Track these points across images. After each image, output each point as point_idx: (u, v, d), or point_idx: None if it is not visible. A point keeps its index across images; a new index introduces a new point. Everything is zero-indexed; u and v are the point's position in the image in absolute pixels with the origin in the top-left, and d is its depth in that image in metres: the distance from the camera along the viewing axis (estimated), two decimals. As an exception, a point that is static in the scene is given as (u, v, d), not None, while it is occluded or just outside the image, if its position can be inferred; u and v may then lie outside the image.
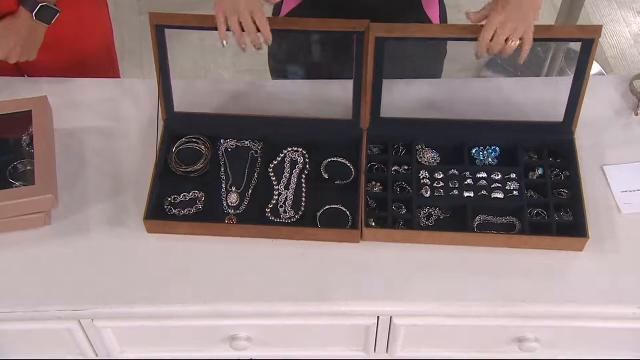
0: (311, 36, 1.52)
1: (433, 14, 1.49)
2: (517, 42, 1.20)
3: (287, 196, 1.34)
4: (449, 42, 1.45)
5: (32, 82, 1.52)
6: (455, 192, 1.33)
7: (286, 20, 1.31)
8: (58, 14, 1.40)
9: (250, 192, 1.35)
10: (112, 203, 1.33)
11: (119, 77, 1.72)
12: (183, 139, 1.39)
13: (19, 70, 1.57)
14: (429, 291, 1.23)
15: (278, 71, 1.61)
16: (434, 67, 1.63)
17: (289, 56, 1.57)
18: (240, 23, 1.19)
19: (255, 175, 1.36)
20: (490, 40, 1.20)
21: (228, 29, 1.21)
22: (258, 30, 1.19)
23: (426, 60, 1.58)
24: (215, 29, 1.36)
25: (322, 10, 1.38)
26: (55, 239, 1.29)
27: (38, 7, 1.38)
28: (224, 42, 1.22)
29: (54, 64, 1.55)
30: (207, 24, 1.42)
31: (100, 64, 1.63)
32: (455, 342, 1.34)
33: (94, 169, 1.38)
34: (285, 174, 1.37)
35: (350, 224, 1.30)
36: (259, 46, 1.21)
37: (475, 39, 1.29)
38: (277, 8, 1.52)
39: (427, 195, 1.33)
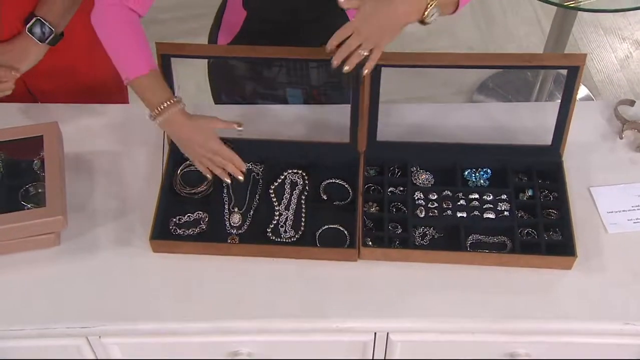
0: (307, 64, 1.56)
1: None
2: (365, 53, 1.16)
3: (287, 216, 1.37)
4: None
5: (44, 108, 1.54)
6: (449, 212, 1.36)
7: (285, 49, 1.35)
8: (53, 36, 1.41)
9: (252, 212, 1.38)
10: (120, 224, 1.36)
11: (128, 103, 1.75)
12: (187, 162, 1.42)
13: (32, 96, 1.60)
14: (425, 308, 1.26)
15: (273, 97, 1.65)
16: None
17: (284, 83, 1.62)
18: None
19: (257, 197, 1.40)
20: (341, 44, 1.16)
21: None
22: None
23: None
24: (216, 57, 1.39)
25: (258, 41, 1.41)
26: (65, 258, 1.32)
27: (33, 20, 1.40)
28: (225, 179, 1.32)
29: (67, 91, 1.58)
30: (210, 53, 1.47)
31: (111, 90, 1.65)
32: (449, 357, 1.36)
33: (102, 191, 1.41)
34: (286, 195, 1.40)
35: (348, 243, 1.33)
36: (239, 175, 1.30)
37: (467, 67, 1.33)
38: (213, 39, 1.55)
39: (422, 215, 1.36)
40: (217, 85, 1.65)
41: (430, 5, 1.14)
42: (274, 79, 1.59)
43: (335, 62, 1.17)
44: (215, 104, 1.66)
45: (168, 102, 1.25)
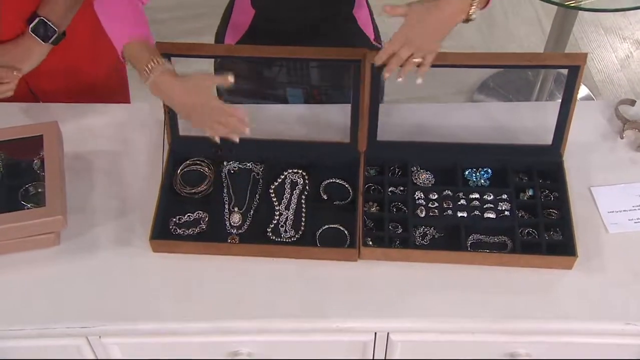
0: (308, 63, 1.56)
1: (367, 31, 1.53)
2: (418, 61, 1.17)
3: (287, 216, 1.37)
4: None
5: (44, 108, 1.55)
6: (450, 212, 1.36)
7: (287, 49, 1.35)
8: (56, 36, 1.42)
9: (252, 212, 1.38)
10: (119, 223, 1.36)
11: (129, 102, 1.75)
12: (187, 162, 1.43)
13: (34, 96, 1.60)
14: (425, 308, 1.26)
15: (273, 97, 1.66)
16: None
17: (284, 82, 1.61)
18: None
19: (257, 197, 1.40)
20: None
21: None
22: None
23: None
24: (217, 57, 1.38)
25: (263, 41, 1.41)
26: (65, 258, 1.32)
27: (36, 20, 1.40)
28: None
29: (69, 90, 1.58)
30: (210, 52, 1.47)
31: (113, 90, 1.66)
32: (449, 357, 1.36)
33: (102, 190, 1.41)
34: (286, 194, 1.40)
35: (348, 243, 1.33)
36: (245, 128, 1.24)
37: (468, 67, 1.33)
38: (220, 39, 1.56)
39: (422, 215, 1.36)
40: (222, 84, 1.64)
41: (474, 2, 1.14)
42: (274, 79, 1.59)
43: (387, 74, 1.17)
44: None
45: (153, 62, 1.20)
